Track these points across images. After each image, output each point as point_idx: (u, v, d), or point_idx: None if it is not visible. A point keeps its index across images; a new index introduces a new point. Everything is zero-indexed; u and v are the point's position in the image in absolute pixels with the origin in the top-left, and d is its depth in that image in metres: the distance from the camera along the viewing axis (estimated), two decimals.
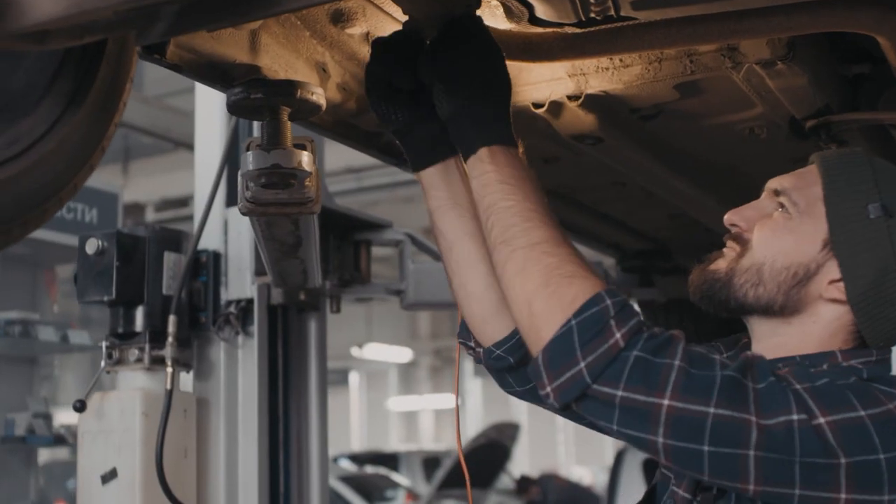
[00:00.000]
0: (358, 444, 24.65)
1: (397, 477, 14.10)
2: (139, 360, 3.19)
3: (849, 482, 1.50)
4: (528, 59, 1.99)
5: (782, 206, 1.76)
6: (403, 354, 22.69)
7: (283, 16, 1.87)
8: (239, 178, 1.95)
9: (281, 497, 3.46)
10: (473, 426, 18.11)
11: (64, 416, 6.70)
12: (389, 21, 1.94)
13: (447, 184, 1.88)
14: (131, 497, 3.08)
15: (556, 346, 1.57)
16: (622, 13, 1.72)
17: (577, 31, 1.92)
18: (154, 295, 3.21)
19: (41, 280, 6.45)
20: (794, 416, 1.50)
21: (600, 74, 2.11)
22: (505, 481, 13.63)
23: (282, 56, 1.90)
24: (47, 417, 5.57)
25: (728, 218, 1.81)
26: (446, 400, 25.70)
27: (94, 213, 5.92)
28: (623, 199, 3.19)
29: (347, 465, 14.92)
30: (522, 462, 19.85)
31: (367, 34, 2.00)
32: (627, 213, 3.46)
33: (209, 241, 3.42)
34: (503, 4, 1.82)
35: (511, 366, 1.89)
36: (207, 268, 3.39)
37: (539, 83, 2.15)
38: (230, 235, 3.45)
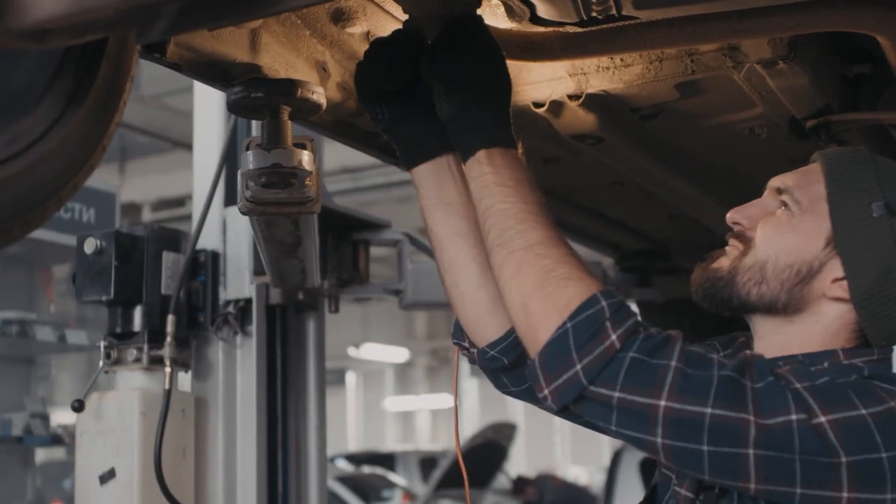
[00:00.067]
0: (354, 445, 24.63)
1: (394, 477, 14.11)
2: (137, 359, 3.19)
3: (850, 481, 1.50)
4: (528, 58, 1.99)
5: (785, 204, 1.75)
6: (400, 354, 22.71)
7: (283, 15, 1.86)
8: (239, 178, 1.95)
9: (279, 497, 3.45)
10: (470, 426, 18.10)
11: (61, 416, 6.70)
12: (390, 20, 1.94)
13: (436, 182, 1.88)
14: (129, 497, 3.08)
15: (552, 348, 1.57)
16: (624, 12, 1.72)
17: (579, 30, 1.92)
18: (152, 294, 3.21)
19: (38, 280, 6.44)
20: (793, 416, 1.50)
21: (601, 74, 2.11)
22: (502, 481, 13.64)
23: (282, 55, 1.90)
24: (45, 417, 5.56)
25: (730, 216, 1.80)
26: (443, 400, 25.71)
27: (92, 213, 5.91)
28: (622, 199, 3.19)
29: (344, 465, 14.91)
30: (519, 462, 19.85)
31: (368, 33, 1.99)
32: (627, 213, 3.46)
33: (208, 240, 3.41)
34: (504, 4, 1.82)
35: (505, 366, 1.88)
36: (206, 267, 3.39)
37: (539, 82, 2.15)
38: (229, 235, 3.44)
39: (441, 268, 1.92)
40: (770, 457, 1.50)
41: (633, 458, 6.72)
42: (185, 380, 3.40)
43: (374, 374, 26.89)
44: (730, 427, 1.50)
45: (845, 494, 1.50)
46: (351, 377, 26.58)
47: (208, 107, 3.57)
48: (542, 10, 1.80)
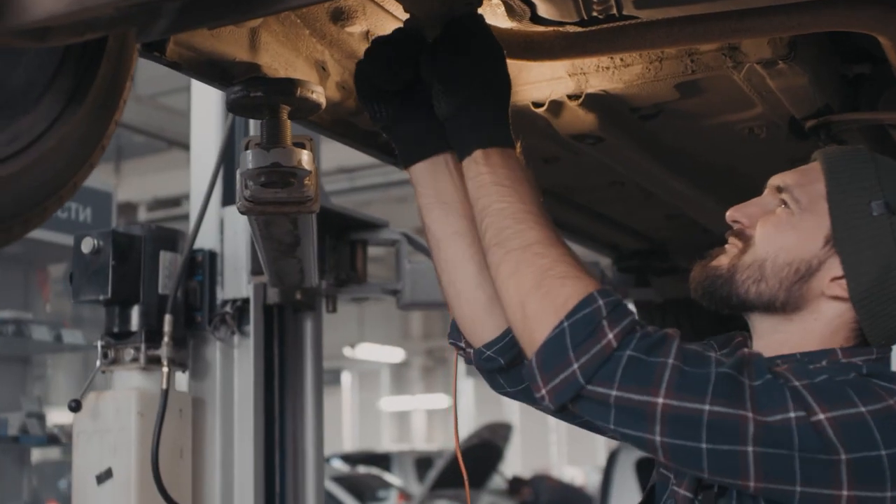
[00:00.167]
0: (350, 445, 24.65)
1: (389, 477, 14.11)
2: (135, 359, 3.18)
3: (850, 478, 1.50)
4: (528, 57, 1.99)
5: (784, 202, 1.75)
6: (395, 354, 22.71)
7: (283, 14, 1.86)
8: (238, 177, 1.94)
9: (276, 497, 3.45)
10: (466, 426, 18.10)
11: (56, 416, 6.69)
12: (390, 19, 1.94)
13: (434, 181, 1.88)
14: (126, 497, 3.07)
15: (549, 348, 1.57)
16: (624, 12, 1.72)
17: (579, 29, 1.91)
18: (150, 294, 3.20)
19: (34, 279, 6.43)
20: (792, 414, 1.50)
21: (601, 73, 2.11)
22: (497, 482, 13.64)
23: (281, 54, 1.89)
24: (41, 417, 5.55)
25: (730, 214, 1.80)
26: (438, 400, 25.74)
27: (88, 213, 5.90)
28: (621, 200, 3.18)
29: (340, 466, 14.93)
30: (515, 462, 19.87)
31: (367, 32, 1.99)
32: (625, 213, 3.45)
33: (205, 240, 3.41)
34: (505, 3, 1.81)
35: (502, 366, 1.88)
36: (203, 267, 3.38)
37: (539, 82, 2.15)
38: (226, 235, 3.43)
39: (438, 267, 1.91)
40: (769, 454, 1.50)
41: (630, 458, 6.72)
42: (182, 379, 3.40)
43: (370, 374, 26.91)
44: (728, 424, 1.50)
45: (845, 492, 1.50)
46: (346, 377, 26.59)
47: (206, 106, 3.56)
48: (543, 10, 1.80)
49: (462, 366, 2.04)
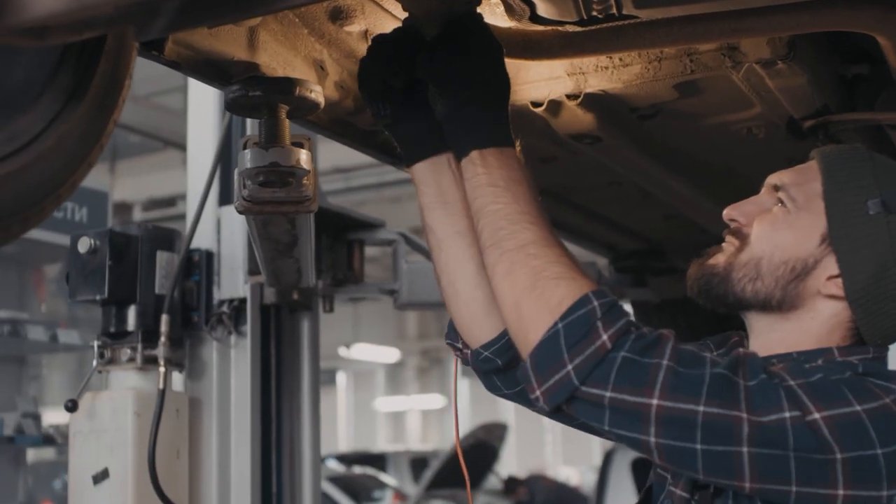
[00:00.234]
0: (345, 445, 24.64)
1: (385, 477, 14.12)
2: (131, 359, 3.17)
3: (846, 477, 1.49)
4: (527, 56, 1.99)
5: (781, 201, 1.75)
6: (391, 355, 22.71)
7: (281, 13, 1.86)
8: (236, 176, 1.94)
9: (273, 497, 3.44)
10: (461, 427, 18.08)
11: (52, 416, 6.68)
12: (388, 18, 1.93)
13: (436, 180, 1.87)
14: (123, 497, 3.07)
15: (544, 349, 1.57)
16: (624, 11, 1.72)
17: (578, 29, 1.91)
18: (146, 294, 3.19)
19: (29, 279, 6.42)
20: (787, 413, 1.50)
21: (599, 73, 2.11)
22: (493, 482, 13.65)
23: (280, 54, 1.89)
24: (36, 417, 5.54)
25: (727, 213, 1.80)
26: (433, 400, 25.75)
27: (84, 212, 5.89)
28: (619, 200, 3.18)
29: (335, 466, 14.92)
30: (510, 462, 19.87)
31: (366, 32, 1.99)
32: (623, 213, 3.45)
33: (202, 240, 3.40)
34: (504, 2, 1.81)
35: (499, 368, 1.88)
36: (200, 267, 3.37)
37: (538, 82, 2.15)
38: (223, 234, 3.43)
39: (438, 267, 1.91)
40: (764, 454, 1.50)
41: (625, 458, 6.73)
42: (178, 380, 3.39)
43: (365, 374, 26.90)
44: (723, 425, 1.50)
45: (841, 492, 1.50)
46: (342, 377, 26.58)
47: (203, 105, 3.56)
48: (542, 9, 1.79)
49: (458, 366, 2.04)
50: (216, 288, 3.39)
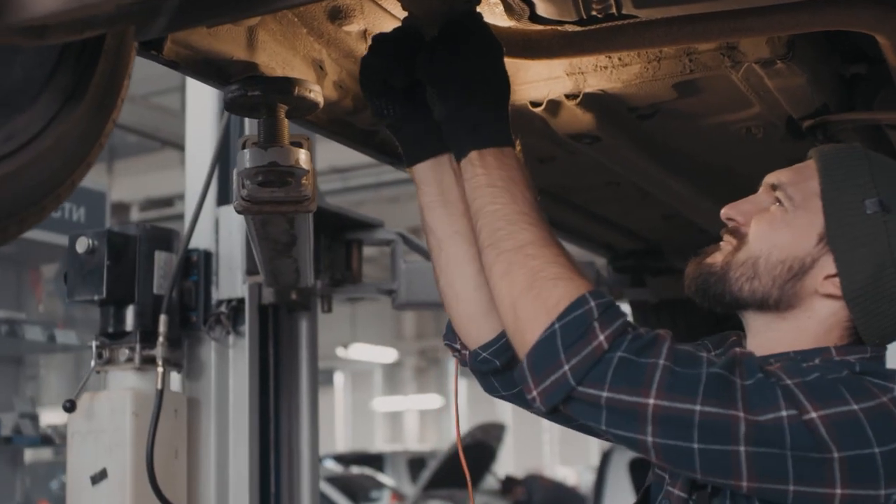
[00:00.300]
0: (343, 445, 24.64)
1: (382, 477, 14.13)
2: (129, 359, 3.17)
3: (843, 476, 1.49)
4: (527, 56, 1.98)
5: (779, 200, 1.75)
6: (388, 355, 22.71)
7: (280, 12, 1.85)
8: (234, 176, 1.93)
9: (272, 497, 3.44)
10: (460, 426, 18.11)
11: (49, 417, 6.68)
12: (388, 18, 1.93)
13: (438, 180, 1.87)
14: (121, 498, 3.06)
15: (540, 349, 1.57)
16: (623, 11, 1.71)
17: (578, 28, 1.91)
18: (144, 294, 3.19)
19: (26, 279, 6.41)
20: (784, 412, 1.50)
21: (599, 73, 2.11)
22: (490, 482, 13.65)
23: (279, 53, 1.89)
24: (34, 418, 5.54)
25: (725, 212, 1.81)
26: (431, 400, 25.75)
27: (82, 212, 5.89)
28: (617, 199, 3.18)
29: (332, 466, 14.92)
30: (508, 462, 19.88)
31: (365, 31, 1.98)
32: (621, 213, 3.45)
33: (200, 240, 3.39)
34: (504, 2, 1.81)
35: (497, 369, 1.88)
36: (198, 267, 3.37)
37: (537, 82, 2.15)
38: (221, 234, 3.42)
39: (437, 267, 1.91)
40: (761, 453, 1.50)
41: (623, 458, 6.73)
42: (177, 380, 3.39)
43: (363, 374, 26.90)
44: (720, 424, 1.50)
45: (838, 491, 1.50)
46: (339, 377, 26.59)
47: (201, 105, 3.55)
48: (542, 9, 1.79)
49: (454, 366, 2.04)
50: (214, 288, 3.39)
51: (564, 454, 23.49)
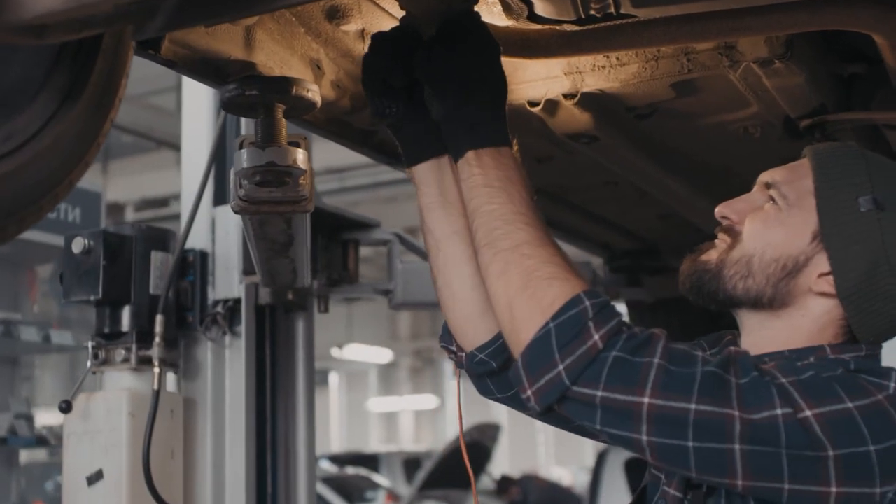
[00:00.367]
0: (338, 445, 24.64)
1: (377, 478, 14.12)
2: (126, 360, 3.16)
3: (838, 475, 1.49)
4: (524, 55, 1.98)
5: (773, 198, 1.75)
6: (383, 355, 22.70)
7: (278, 12, 1.85)
8: (232, 176, 1.93)
9: (268, 497, 3.44)
10: (454, 427, 18.10)
11: (44, 417, 6.66)
12: (385, 18, 1.93)
13: (438, 181, 1.87)
14: (118, 498, 3.05)
15: (535, 349, 1.57)
16: (622, 10, 1.71)
17: (576, 28, 1.91)
18: (141, 294, 3.18)
19: (22, 280, 6.40)
20: (779, 411, 1.50)
21: (597, 73, 2.10)
22: (485, 482, 13.64)
23: (276, 53, 1.89)
24: (29, 418, 5.52)
25: (719, 210, 1.81)
26: (426, 401, 25.76)
27: (78, 213, 5.87)
28: (615, 199, 3.18)
29: (328, 466, 14.92)
30: (503, 463, 19.88)
31: (363, 31, 1.98)
32: (618, 212, 3.46)
33: (196, 240, 3.39)
34: (502, 1, 1.80)
35: (493, 370, 1.87)
36: (195, 267, 3.36)
37: (535, 81, 2.15)
38: (217, 234, 3.42)
39: (435, 268, 1.91)
40: (756, 452, 1.50)
41: (618, 458, 6.73)
42: (173, 380, 3.38)
43: (358, 374, 26.91)
44: (714, 422, 1.50)
45: (833, 489, 1.50)
46: (334, 378, 26.59)
47: (197, 105, 3.54)
48: (540, 8, 1.79)
49: (451, 367, 2.04)
50: (211, 288, 3.38)
51: (560, 454, 23.53)
